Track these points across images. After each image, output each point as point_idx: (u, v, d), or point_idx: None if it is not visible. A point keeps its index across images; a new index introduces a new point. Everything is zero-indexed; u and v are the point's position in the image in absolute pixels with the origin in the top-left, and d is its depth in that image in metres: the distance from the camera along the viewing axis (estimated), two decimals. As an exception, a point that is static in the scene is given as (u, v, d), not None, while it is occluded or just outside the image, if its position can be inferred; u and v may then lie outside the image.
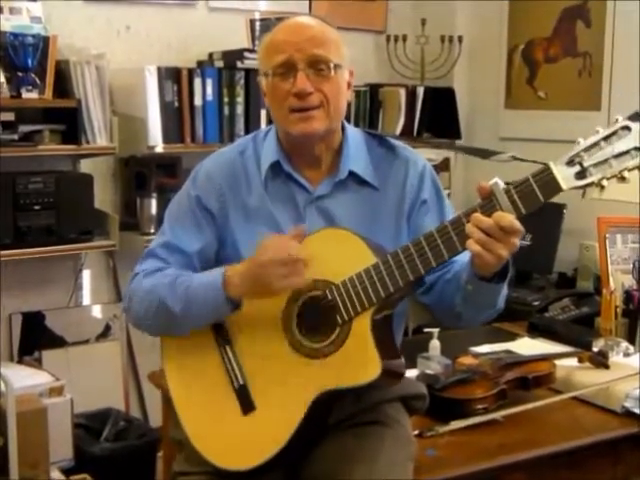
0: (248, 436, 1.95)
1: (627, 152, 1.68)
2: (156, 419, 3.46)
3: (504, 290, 1.92)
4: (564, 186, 1.71)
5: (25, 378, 3.19)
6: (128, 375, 4.01)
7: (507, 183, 1.76)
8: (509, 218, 1.72)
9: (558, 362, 2.69)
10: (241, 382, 1.97)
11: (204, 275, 1.98)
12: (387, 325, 1.96)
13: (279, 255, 1.84)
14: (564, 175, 1.71)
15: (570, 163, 1.71)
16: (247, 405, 1.96)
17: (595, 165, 1.70)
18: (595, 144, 1.70)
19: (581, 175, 1.70)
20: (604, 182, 1.69)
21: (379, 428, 2.02)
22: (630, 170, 1.68)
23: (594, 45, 4.09)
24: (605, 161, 1.69)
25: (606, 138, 1.70)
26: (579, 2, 4.14)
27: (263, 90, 2.05)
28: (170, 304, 1.96)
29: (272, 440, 1.91)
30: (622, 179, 1.69)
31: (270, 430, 1.92)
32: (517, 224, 1.73)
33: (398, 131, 4.38)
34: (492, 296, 1.92)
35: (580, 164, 1.70)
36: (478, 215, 1.75)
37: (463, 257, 1.86)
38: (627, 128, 1.68)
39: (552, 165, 1.72)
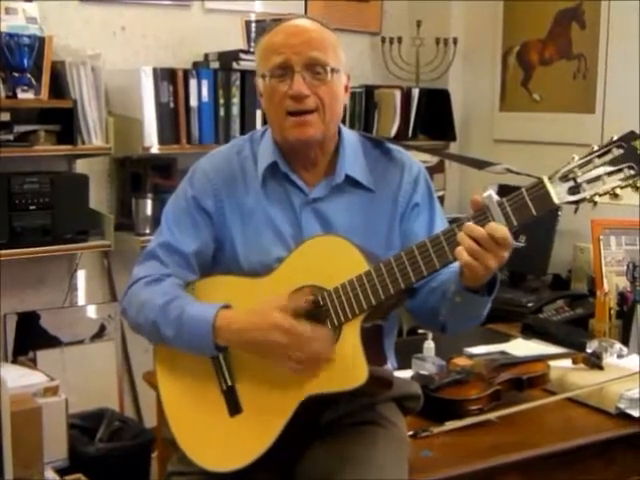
0: (234, 438, 1.96)
1: (620, 170, 1.70)
2: (151, 419, 3.46)
3: (489, 303, 1.93)
4: (557, 201, 1.73)
5: (20, 378, 3.19)
6: (123, 375, 4.01)
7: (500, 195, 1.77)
8: (503, 230, 1.73)
9: (552, 363, 2.70)
10: (229, 384, 1.97)
11: (197, 309, 1.95)
12: (377, 333, 1.97)
13: (303, 350, 1.85)
14: (557, 190, 1.73)
15: (564, 178, 1.73)
16: (234, 407, 1.97)
17: (588, 181, 1.71)
18: (589, 161, 1.72)
19: (574, 190, 1.72)
20: (596, 198, 1.72)
21: (373, 428, 2.02)
22: (622, 187, 1.70)
23: (589, 47, 4.09)
24: (598, 178, 1.71)
25: (600, 155, 1.71)
26: (574, 4, 4.14)
27: (260, 91, 2.06)
28: (162, 328, 1.97)
29: (256, 442, 1.92)
30: (614, 196, 1.71)
31: (255, 432, 1.93)
32: (509, 237, 1.74)
33: (393, 132, 4.39)
34: (479, 308, 1.94)
35: (574, 180, 1.72)
36: (470, 224, 1.76)
37: (451, 267, 1.87)
38: (621, 146, 1.70)
39: (546, 179, 1.73)
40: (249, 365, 1.95)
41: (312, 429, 2.01)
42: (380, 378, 1.94)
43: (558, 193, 1.72)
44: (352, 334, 1.88)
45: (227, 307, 1.94)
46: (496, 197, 1.76)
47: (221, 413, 1.98)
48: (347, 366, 1.86)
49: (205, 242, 2.07)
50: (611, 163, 1.70)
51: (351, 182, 2.07)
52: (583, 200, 1.73)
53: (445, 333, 2.07)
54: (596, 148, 1.73)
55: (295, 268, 1.96)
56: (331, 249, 1.93)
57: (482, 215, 1.77)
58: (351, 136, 2.13)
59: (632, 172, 1.69)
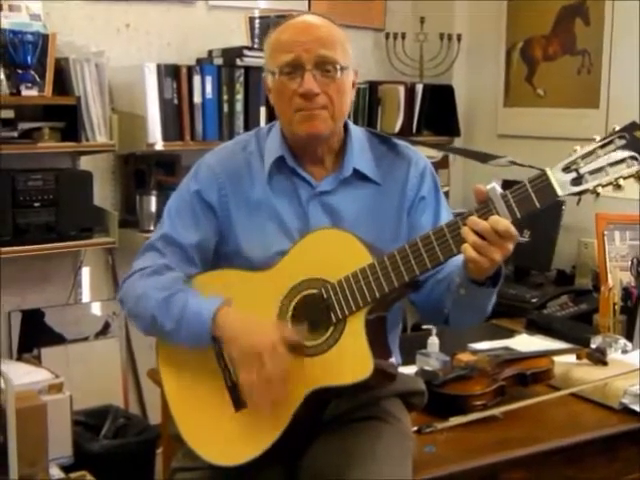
0: (238, 433, 1.96)
1: (623, 160, 1.70)
2: (155, 416, 3.47)
3: (494, 296, 1.94)
4: (560, 192, 1.73)
5: (24, 375, 3.19)
6: (127, 372, 4.02)
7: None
8: (505, 223, 1.73)
9: (556, 359, 2.69)
10: (234, 378, 1.97)
11: (198, 303, 1.96)
12: (381, 326, 1.96)
13: (271, 365, 1.83)
14: (560, 181, 1.73)
15: (566, 170, 1.73)
16: (239, 402, 1.96)
17: (591, 172, 1.72)
18: (592, 152, 1.72)
19: (577, 182, 1.72)
20: (599, 189, 1.72)
21: (377, 424, 2.02)
22: (625, 178, 1.70)
23: (593, 43, 4.08)
24: (601, 169, 1.71)
25: (603, 146, 1.72)
26: (578, 0, 4.14)
27: (268, 87, 2.07)
28: (161, 321, 1.97)
29: (262, 437, 1.91)
30: (617, 187, 1.71)
31: (260, 427, 1.92)
32: (512, 229, 1.74)
33: (397, 128, 4.39)
34: (483, 301, 1.94)
35: (576, 171, 1.72)
36: (474, 218, 1.76)
37: (456, 259, 1.87)
38: (623, 137, 1.70)
39: (549, 171, 1.73)
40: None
41: (316, 424, 2.01)
42: (383, 371, 1.93)
43: (561, 184, 1.72)
44: (356, 327, 1.87)
45: (229, 302, 1.94)
46: (499, 189, 1.76)
47: (226, 408, 1.98)
48: (352, 359, 1.86)
49: (207, 235, 2.07)
50: (614, 154, 1.70)
51: (359, 176, 2.07)
52: (586, 191, 1.73)
53: (448, 326, 2.07)
54: (598, 139, 1.73)
55: (298, 261, 1.96)
56: (334, 242, 1.93)
57: (485, 208, 1.77)
58: (358, 132, 2.14)
59: (634, 162, 1.69)
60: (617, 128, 1.72)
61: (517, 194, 1.75)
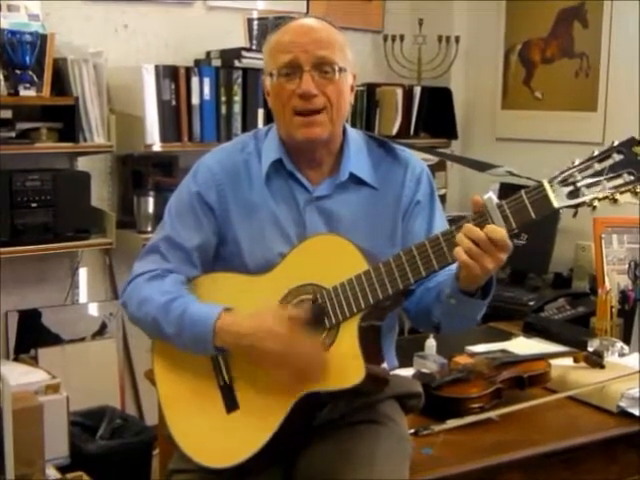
0: (230, 435, 1.96)
1: (620, 175, 1.70)
2: (152, 417, 3.46)
3: (484, 307, 1.94)
4: (556, 204, 1.73)
5: (21, 376, 3.19)
6: (124, 373, 4.01)
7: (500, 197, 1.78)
8: (501, 232, 1.74)
9: (553, 362, 2.70)
10: (227, 380, 1.98)
11: (199, 310, 1.95)
12: (375, 332, 1.97)
13: (296, 359, 1.86)
14: (557, 194, 1.73)
15: (563, 182, 1.73)
16: (231, 404, 1.97)
17: (588, 186, 1.72)
18: (589, 165, 1.72)
19: (573, 195, 1.73)
20: (595, 202, 1.72)
21: (374, 426, 2.02)
22: (622, 193, 1.70)
23: (591, 46, 4.09)
24: (598, 182, 1.71)
25: (600, 160, 1.72)
26: (576, 3, 4.14)
27: (267, 90, 2.06)
28: (162, 326, 1.98)
29: (253, 439, 1.92)
30: (614, 201, 1.72)
31: (251, 429, 1.93)
32: (507, 239, 1.75)
33: (395, 130, 4.38)
34: (473, 311, 1.94)
35: (573, 184, 1.73)
36: (469, 225, 1.77)
37: (446, 269, 1.87)
38: (621, 152, 1.70)
39: (545, 183, 1.74)
40: (247, 362, 1.95)
41: (312, 427, 2.01)
42: (376, 376, 1.93)
43: (557, 197, 1.73)
44: (350, 333, 1.88)
45: (229, 309, 1.94)
46: (496, 199, 1.77)
47: (218, 410, 1.98)
48: (344, 364, 1.86)
49: (207, 237, 2.07)
50: (611, 168, 1.71)
51: (355, 180, 2.07)
52: (582, 204, 1.73)
53: (439, 333, 2.07)
54: (596, 153, 1.73)
55: (294, 266, 1.96)
56: (331, 248, 1.93)
57: (481, 217, 1.77)
58: (355, 135, 2.14)
59: (631, 178, 1.70)
60: (616, 143, 1.72)
61: (513, 205, 1.75)
